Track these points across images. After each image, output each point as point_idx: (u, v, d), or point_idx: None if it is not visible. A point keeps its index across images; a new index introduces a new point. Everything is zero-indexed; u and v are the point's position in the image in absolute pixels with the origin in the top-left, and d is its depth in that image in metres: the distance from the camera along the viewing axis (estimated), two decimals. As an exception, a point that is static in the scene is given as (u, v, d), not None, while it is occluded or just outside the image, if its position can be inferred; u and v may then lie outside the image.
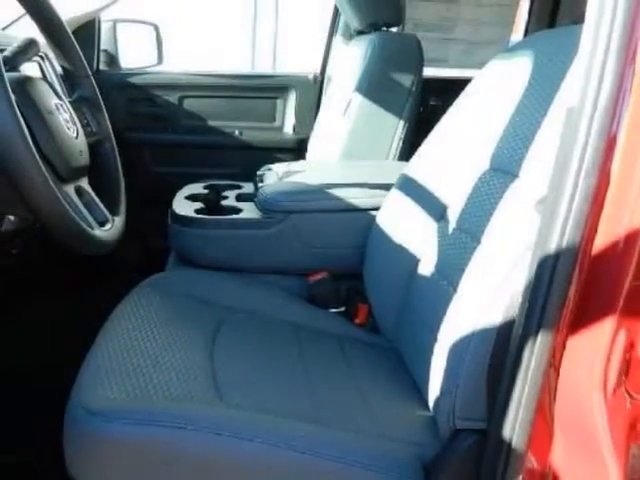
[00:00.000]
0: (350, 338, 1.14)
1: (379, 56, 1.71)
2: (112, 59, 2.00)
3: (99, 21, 1.90)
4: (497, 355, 0.75)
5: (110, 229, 0.94)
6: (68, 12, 1.63)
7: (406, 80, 1.72)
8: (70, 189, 0.87)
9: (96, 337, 0.95)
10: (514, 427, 0.68)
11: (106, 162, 1.06)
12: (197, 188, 1.62)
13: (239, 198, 1.52)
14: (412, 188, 1.18)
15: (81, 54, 1.04)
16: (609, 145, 0.60)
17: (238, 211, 1.40)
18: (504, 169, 0.92)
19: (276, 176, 1.49)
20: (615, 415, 0.63)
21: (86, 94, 1.05)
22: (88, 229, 0.84)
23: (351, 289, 1.31)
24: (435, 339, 0.88)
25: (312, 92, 2.10)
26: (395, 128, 1.73)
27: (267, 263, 1.35)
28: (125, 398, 0.79)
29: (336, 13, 2.11)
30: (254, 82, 2.14)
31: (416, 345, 0.98)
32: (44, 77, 1.35)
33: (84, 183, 0.94)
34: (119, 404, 0.78)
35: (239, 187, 1.63)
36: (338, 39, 2.13)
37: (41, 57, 1.37)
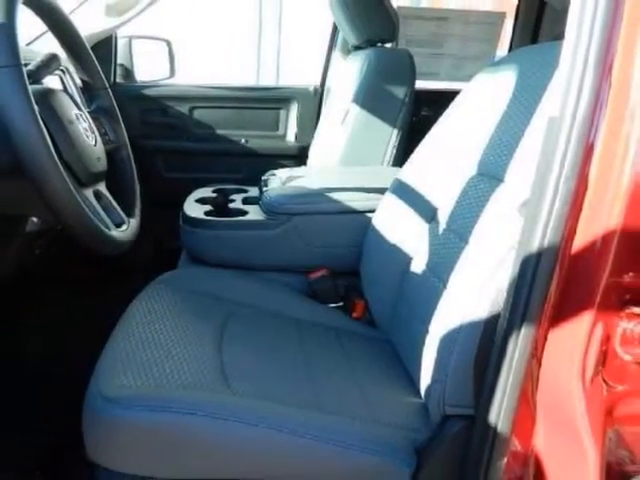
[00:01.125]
0: (348, 331, 1.14)
1: (374, 70, 1.71)
2: (128, 73, 2.00)
3: (116, 37, 1.90)
4: (484, 347, 0.75)
5: (126, 230, 0.94)
6: (87, 29, 1.63)
7: (399, 92, 1.72)
8: (89, 193, 0.88)
9: (113, 330, 0.95)
10: (499, 413, 0.68)
11: (122, 168, 1.06)
12: (206, 192, 1.62)
13: (245, 201, 1.52)
14: (405, 192, 1.18)
15: (99, 68, 1.04)
16: (587, 152, 0.60)
17: (244, 213, 1.40)
18: (490, 174, 0.93)
19: (279, 181, 1.49)
20: (592, 402, 0.63)
21: (104, 105, 1.05)
22: (105, 230, 0.84)
23: (349, 286, 1.31)
24: (426, 332, 0.88)
25: (313, 103, 2.10)
26: (389, 136, 1.73)
27: (271, 261, 1.35)
28: (140, 386, 0.79)
29: (335, 30, 2.11)
30: (259, 94, 2.14)
31: (409, 337, 0.98)
32: (65, 89, 1.35)
33: (102, 187, 0.94)
34: (135, 392, 0.78)
35: (245, 191, 1.63)
36: (337, 54, 2.13)
37: (62, 71, 1.37)
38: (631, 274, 0.60)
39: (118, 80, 1.97)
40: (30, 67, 0.92)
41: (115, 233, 0.88)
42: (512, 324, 0.66)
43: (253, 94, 2.12)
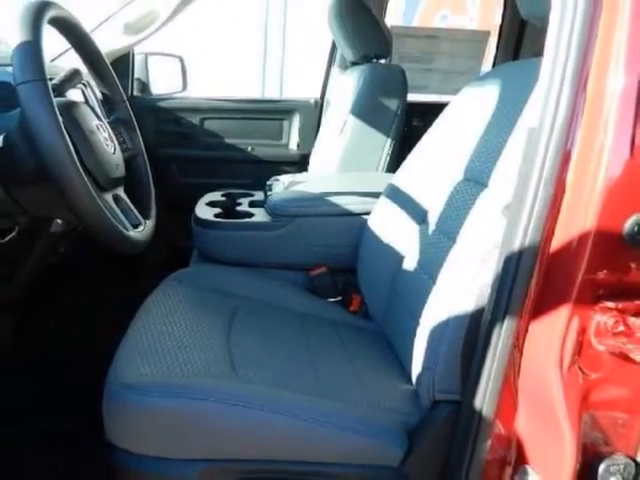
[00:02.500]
0: (345, 324, 1.14)
1: (370, 84, 1.71)
2: (144, 86, 1.99)
3: (133, 54, 1.90)
4: (470, 338, 0.75)
5: (142, 231, 0.94)
6: (107, 46, 1.63)
7: (393, 104, 1.72)
8: (109, 197, 0.87)
9: (130, 323, 0.95)
10: (484, 398, 0.68)
11: (139, 174, 1.06)
12: (216, 196, 1.62)
13: (251, 204, 1.52)
14: (398, 196, 1.18)
15: (118, 82, 1.03)
16: (564, 159, 0.60)
17: (251, 215, 1.40)
18: (476, 180, 0.92)
19: (283, 186, 1.49)
20: (569, 389, 0.63)
21: (122, 116, 1.05)
22: (124, 231, 0.84)
23: (346, 282, 1.30)
24: (417, 324, 0.88)
25: (313, 114, 2.10)
26: (383, 145, 1.73)
27: (275, 259, 1.35)
28: (155, 374, 0.79)
29: (333, 47, 2.11)
30: (264, 106, 2.14)
31: (401, 329, 0.98)
32: (86, 102, 1.34)
33: (120, 192, 0.93)
34: (150, 379, 0.78)
35: (251, 195, 1.63)
36: (335, 69, 2.13)
37: (84, 85, 1.37)
38: (605, 271, 0.61)
39: (135, 93, 1.97)
40: (55, 81, 0.92)
41: (132, 234, 0.88)
42: (496, 317, 0.66)
43: (259, 106, 2.12)
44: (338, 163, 1.73)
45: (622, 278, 0.61)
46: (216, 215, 1.41)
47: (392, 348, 1.03)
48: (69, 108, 0.84)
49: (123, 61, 1.84)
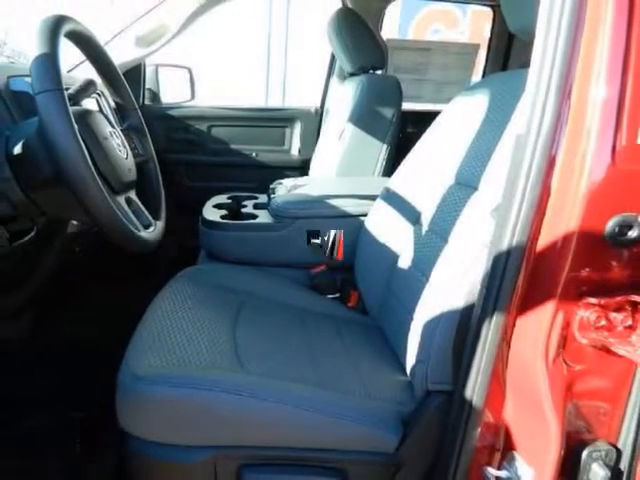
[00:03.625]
0: (344, 319, 1.14)
1: (367, 93, 1.71)
2: (155, 96, 1.99)
3: (144, 65, 1.90)
4: (461, 332, 0.75)
5: (153, 231, 0.94)
6: (119, 58, 1.63)
7: (388, 112, 1.72)
8: (121, 199, 0.87)
9: (141, 318, 0.95)
10: (474, 389, 0.68)
11: (150, 177, 1.06)
12: (222, 198, 1.62)
13: (256, 207, 1.52)
14: (393, 198, 1.18)
15: (130, 91, 1.03)
16: (550, 164, 0.60)
17: (255, 217, 1.40)
18: (466, 183, 0.93)
19: (285, 189, 1.49)
20: (554, 380, 0.63)
21: (134, 124, 1.05)
22: (135, 231, 0.84)
23: (345, 279, 1.31)
24: (411, 319, 0.89)
25: (314, 122, 2.10)
26: (379, 151, 1.72)
27: (278, 258, 1.35)
28: (165, 366, 0.79)
29: (332, 59, 2.11)
30: (267, 114, 2.14)
31: (396, 324, 0.98)
32: (100, 110, 1.35)
33: (132, 194, 0.93)
34: (160, 371, 0.78)
35: (256, 198, 1.63)
36: (334, 80, 2.13)
37: (98, 94, 1.37)
38: (587, 269, 0.61)
39: (146, 102, 1.97)
40: (70, 91, 0.92)
41: (144, 234, 0.88)
42: (485, 312, 0.66)
43: (262, 114, 2.12)
44: (337, 168, 1.73)
45: (604, 276, 0.61)
46: (222, 217, 1.41)
47: (387, 341, 1.03)
48: (84, 116, 0.84)
49: (135, 72, 1.84)
